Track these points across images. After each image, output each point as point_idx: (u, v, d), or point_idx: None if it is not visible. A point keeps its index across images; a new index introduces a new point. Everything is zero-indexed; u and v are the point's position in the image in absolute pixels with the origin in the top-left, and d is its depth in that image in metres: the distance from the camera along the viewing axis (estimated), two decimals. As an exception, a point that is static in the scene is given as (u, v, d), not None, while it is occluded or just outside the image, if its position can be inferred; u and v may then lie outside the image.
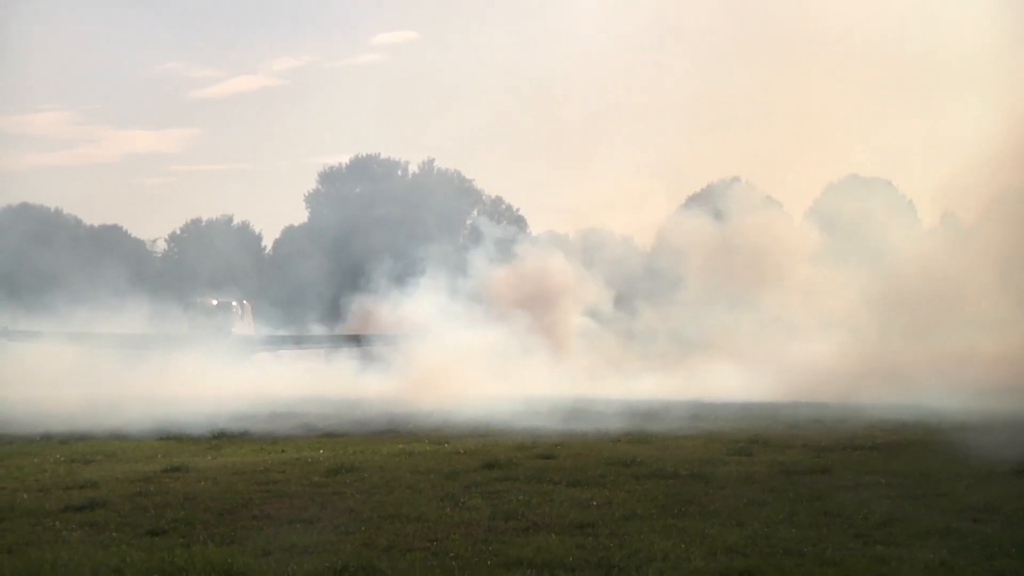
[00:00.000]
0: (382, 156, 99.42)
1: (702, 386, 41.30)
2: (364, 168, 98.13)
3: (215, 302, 52.67)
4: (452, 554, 14.24)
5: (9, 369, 47.10)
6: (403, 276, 54.13)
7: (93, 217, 77.44)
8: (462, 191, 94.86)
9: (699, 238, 55.73)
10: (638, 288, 56.60)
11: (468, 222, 64.86)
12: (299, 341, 54.40)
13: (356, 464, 22.21)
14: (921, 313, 43.65)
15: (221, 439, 28.26)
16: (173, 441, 28.04)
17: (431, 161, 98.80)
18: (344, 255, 67.11)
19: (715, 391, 39.65)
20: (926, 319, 43.22)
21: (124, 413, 34.40)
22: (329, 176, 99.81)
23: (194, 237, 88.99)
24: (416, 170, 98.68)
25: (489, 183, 70.13)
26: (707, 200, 66.15)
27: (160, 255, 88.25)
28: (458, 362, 44.00)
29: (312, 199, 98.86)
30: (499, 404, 35.30)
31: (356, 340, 53.41)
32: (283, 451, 25.29)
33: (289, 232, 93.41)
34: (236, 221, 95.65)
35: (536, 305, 52.78)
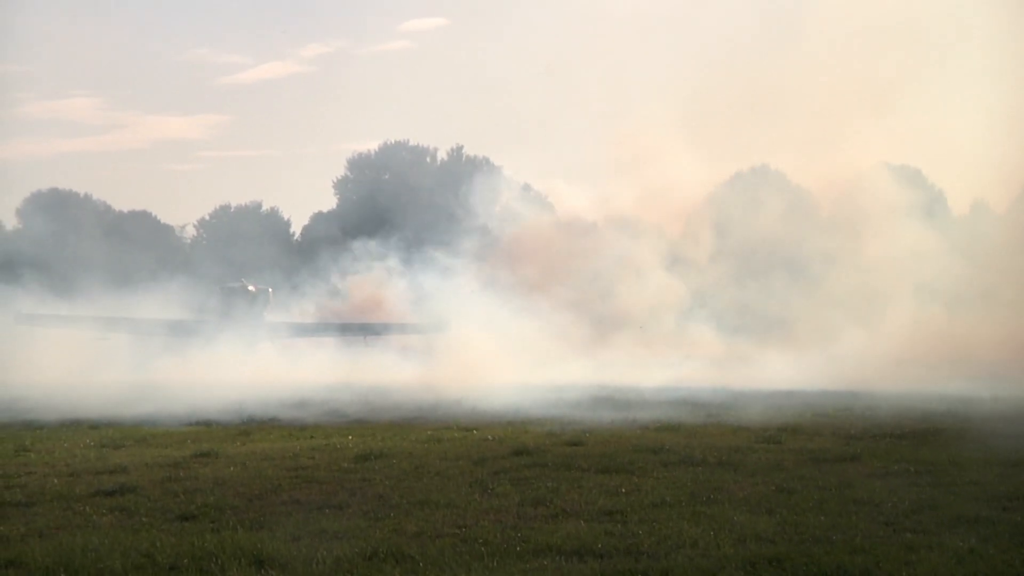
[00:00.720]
0: (411, 143, 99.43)
1: (745, 374, 41.22)
2: (393, 155, 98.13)
3: (252, 287, 52.41)
4: (481, 540, 14.26)
5: (39, 355, 47.28)
6: (429, 262, 54.14)
7: (122, 203, 77.66)
8: (491, 177, 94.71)
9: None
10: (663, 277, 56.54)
11: (497, 208, 64.80)
12: (325, 329, 54.26)
13: (385, 451, 22.26)
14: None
15: (250, 425, 28.37)
16: (202, 427, 28.17)
17: (460, 148, 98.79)
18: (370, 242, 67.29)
19: (758, 379, 39.41)
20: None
21: (153, 399, 34.57)
22: (358, 163, 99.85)
23: (223, 223, 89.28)
24: (445, 157, 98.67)
25: (519, 170, 70.11)
26: (736, 188, 65.93)
27: (189, 241, 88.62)
28: (487, 350, 44.07)
29: (341, 185, 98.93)
30: (528, 392, 35.33)
31: (382, 328, 53.36)
32: (312, 437, 25.36)
33: (318, 218, 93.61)
34: (265, 207, 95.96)
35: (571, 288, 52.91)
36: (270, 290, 53.34)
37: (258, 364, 46.13)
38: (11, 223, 79.25)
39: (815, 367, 41.85)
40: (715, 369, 43.79)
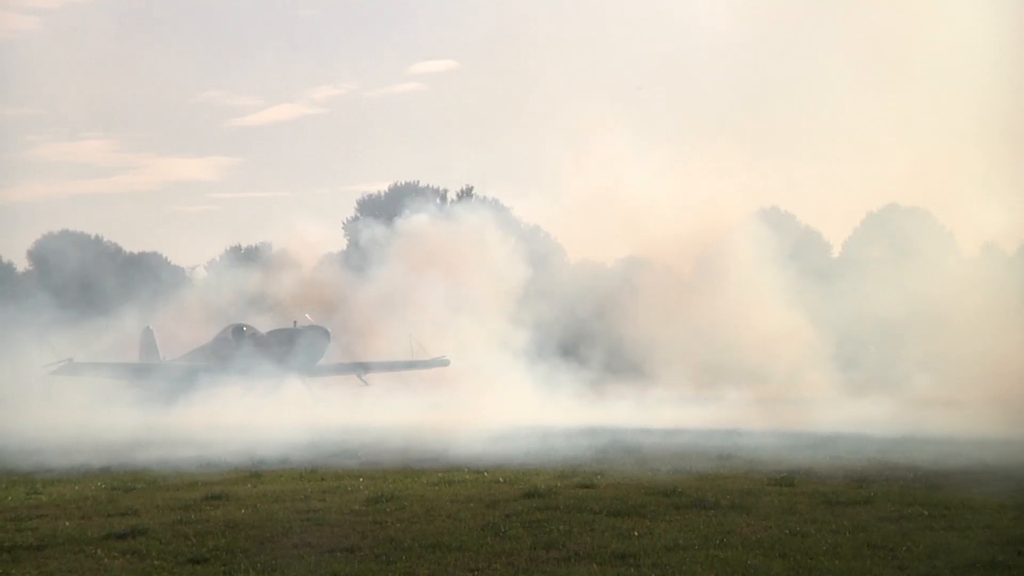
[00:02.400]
0: (421, 184, 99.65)
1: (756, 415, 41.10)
2: (402, 196, 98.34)
3: (309, 316, 51.03)
4: (493, 584, 14.21)
5: (52, 398, 47.36)
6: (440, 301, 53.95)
7: (133, 244, 77.74)
8: (500, 219, 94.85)
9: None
10: (675, 318, 56.44)
11: (506, 249, 64.83)
12: (338, 369, 53.72)
13: (396, 493, 22.22)
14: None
15: (261, 467, 28.31)
16: (214, 469, 28.11)
17: (470, 189, 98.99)
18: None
19: (769, 420, 39.29)
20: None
21: (164, 441, 34.55)
22: (368, 204, 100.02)
23: (233, 264, 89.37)
24: (455, 198, 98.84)
25: (527, 211, 70.14)
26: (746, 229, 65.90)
27: (200, 282, 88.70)
28: (496, 391, 44.04)
29: (351, 226, 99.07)
30: (537, 433, 35.24)
31: (387, 366, 52.83)
32: (322, 479, 25.31)
33: (327, 258, 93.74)
34: (275, 248, 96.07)
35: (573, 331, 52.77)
36: (329, 329, 51.70)
37: (267, 406, 46.10)
38: (22, 265, 79.37)
39: (823, 407, 41.83)
40: (723, 411, 43.65)
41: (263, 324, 52.67)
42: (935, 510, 19.47)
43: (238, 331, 50.58)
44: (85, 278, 61.59)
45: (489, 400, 44.06)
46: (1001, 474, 23.97)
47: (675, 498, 21.07)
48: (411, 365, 51.71)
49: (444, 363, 50.33)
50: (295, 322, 50.36)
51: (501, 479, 24.66)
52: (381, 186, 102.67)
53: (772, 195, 67.95)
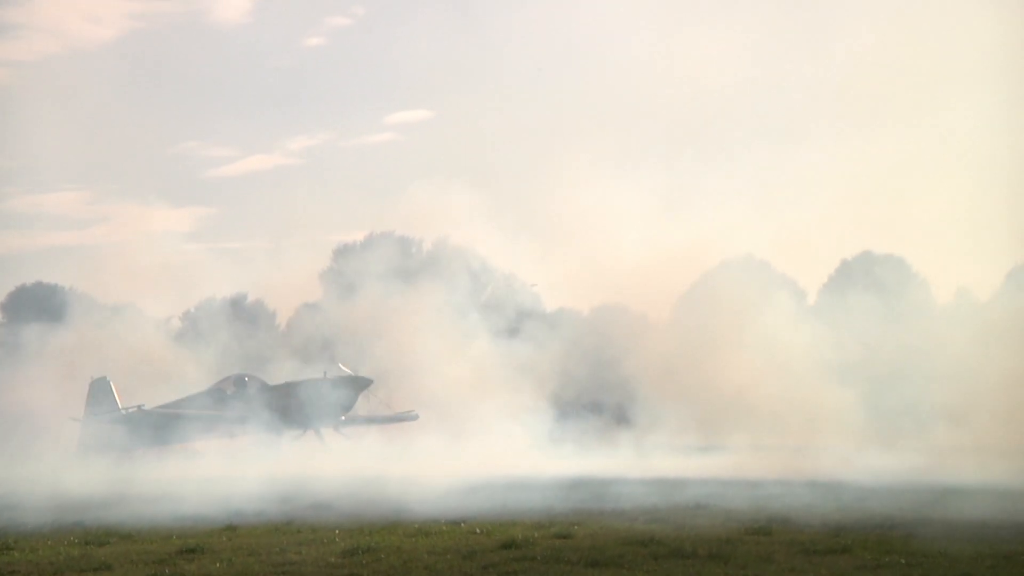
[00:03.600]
0: (396, 233, 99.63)
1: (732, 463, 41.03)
2: (378, 245, 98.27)
3: (346, 367, 50.31)
4: (471, 637, 14.12)
5: (25, 448, 47.05)
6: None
7: (107, 296, 77.22)
8: (475, 267, 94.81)
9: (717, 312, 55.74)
10: (651, 364, 56.42)
11: (482, 299, 64.84)
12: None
13: (372, 545, 22.08)
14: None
15: (237, 520, 28.10)
16: (188, 522, 27.88)
17: (445, 238, 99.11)
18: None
19: (745, 468, 39.21)
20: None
21: (137, 494, 34.31)
22: (344, 253, 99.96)
23: (208, 315, 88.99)
24: (430, 247, 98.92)
25: (504, 259, 70.14)
26: (722, 276, 66.05)
27: (174, 333, 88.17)
28: (475, 440, 43.96)
29: (326, 276, 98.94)
30: (514, 483, 35.08)
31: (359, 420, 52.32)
32: (299, 531, 25.16)
33: (303, 310, 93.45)
34: (251, 299, 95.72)
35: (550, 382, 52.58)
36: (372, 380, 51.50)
37: (242, 458, 45.82)
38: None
39: (807, 458, 41.81)
40: (699, 458, 43.63)
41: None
42: (912, 559, 19.46)
43: (240, 381, 49.74)
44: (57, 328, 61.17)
45: (468, 449, 43.98)
46: (978, 523, 23.96)
47: (653, 548, 21.01)
48: (383, 419, 51.33)
49: (413, 418, 50.14)
50: (325, 372, 49.80)
51: (478, 530, 24.55)
52: (357, 235, 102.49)
53: (746, 242, 68.12)
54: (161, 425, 48.58)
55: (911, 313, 52.17)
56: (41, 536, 25.30)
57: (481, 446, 44.36)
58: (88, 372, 53.09)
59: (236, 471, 41.64)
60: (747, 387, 51.65)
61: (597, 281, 64.00)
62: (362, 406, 52.11)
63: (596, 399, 54.31)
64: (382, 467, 42.88)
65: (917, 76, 66.46)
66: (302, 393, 48.53)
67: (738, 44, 76.42)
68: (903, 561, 19.21)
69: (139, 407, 46.70)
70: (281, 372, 54.43)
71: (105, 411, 49.98)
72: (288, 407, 48.04)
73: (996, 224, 51.59)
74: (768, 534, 22.83)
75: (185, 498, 32.65)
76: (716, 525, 24.66)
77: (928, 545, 20.86)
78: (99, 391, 50.96)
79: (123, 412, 47.46)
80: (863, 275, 60.48)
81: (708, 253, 67.51)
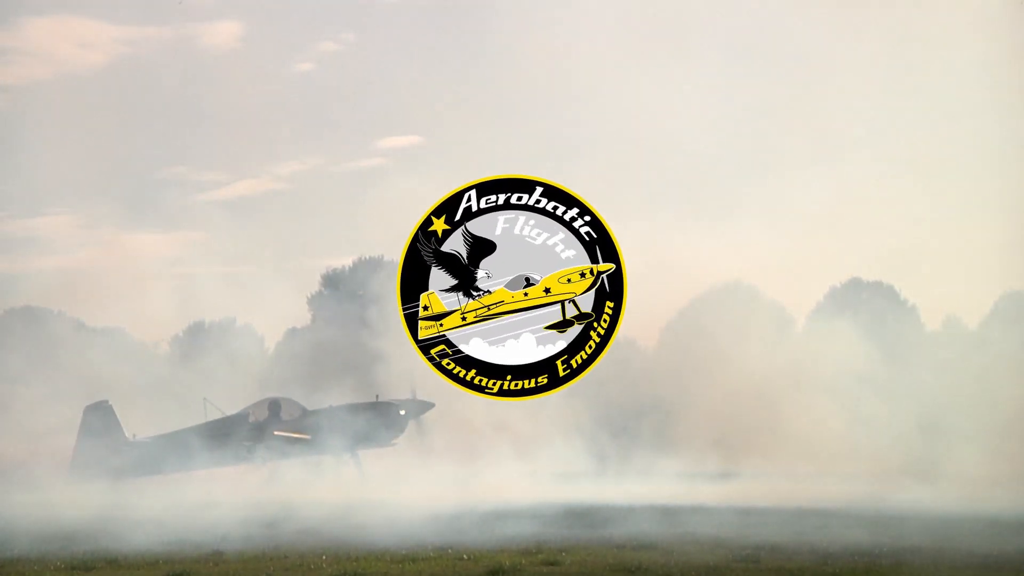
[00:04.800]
0: (386, 259, 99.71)
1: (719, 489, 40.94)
2: (368, 270, 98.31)
3: (403, 411, 47.87)
4: (457, 665, 14.07)
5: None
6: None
7: (96, 320, 77.07)
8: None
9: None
10: (642, 390, 56.48)
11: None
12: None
13: (359, 571, 22.02)
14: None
15: (224, 546, 27.98)
16: (175, 548, 27.76)
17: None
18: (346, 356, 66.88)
19: (733, 495, 39.10)
20: None
21: (126, 518, 34.18)
22: (332, 278, 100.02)
23: (197, 339, 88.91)
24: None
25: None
26: (709, 302, 66.16)
27: (162, 358, 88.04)
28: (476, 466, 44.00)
29: (315, 301, 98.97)
30: (503, 508, 34.96)
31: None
32: (285, 557, 25.08)
33: (292, 334, 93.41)
34: (239, 323, 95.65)
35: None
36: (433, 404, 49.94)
37: (231, 482, 45.58)
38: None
39: (790, 482, 41.79)
40: (689, 485, 43.53)
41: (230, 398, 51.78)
42: (900, 587, 19.45)
43: (274, 405, 48.61)
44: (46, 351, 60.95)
45: (458, 475, 43.96)
46: (965, 552, 23.94)
47: (640, 575, 20.96)
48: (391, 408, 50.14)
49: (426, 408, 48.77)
50: (377, 396, 48.91)
51: (465, 556, 24.48)
52: (346, 260, 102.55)
53: (734, 268, 68.20)
54: (180, 453, 47.62)
55: (900, 340, 52.29)
56: (28, 561, 25.18)
57: (470, 472, 44.25)
58: (76, 396, 52.88)
59: (223, 496, 41.50)
60: (735, 415, 51.71)
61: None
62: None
63: (584, 426, 54.14)
64: (370, 492, 42.79)
65: (906, 102, 66.75)
66: (350, 418, 47.34)
67: (722, 71, 76.61)
68: (891, 589, 19.21)
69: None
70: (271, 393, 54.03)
71: (106, 436, 48.84)
72: (332, 433, 46.76)
73: (985, 251, 51.75)
74: (756, 562, 22.80)
75: (171, 523, 32.53)
76: (704, 552, 24.61)
77: (916, 572, 20.85)
78: (97, 416, 49.13)
79: (145, 439, 46.88)
80: (852, 301, 60.64)
81: (696, 279, 67.57)
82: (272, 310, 73.62)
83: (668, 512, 33.90)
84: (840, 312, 57.53)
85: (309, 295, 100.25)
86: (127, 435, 47.33)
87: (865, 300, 60.67)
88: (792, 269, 64.26)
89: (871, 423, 47.05)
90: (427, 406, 47.80)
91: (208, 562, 24.35)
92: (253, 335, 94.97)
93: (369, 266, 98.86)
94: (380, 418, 47.26)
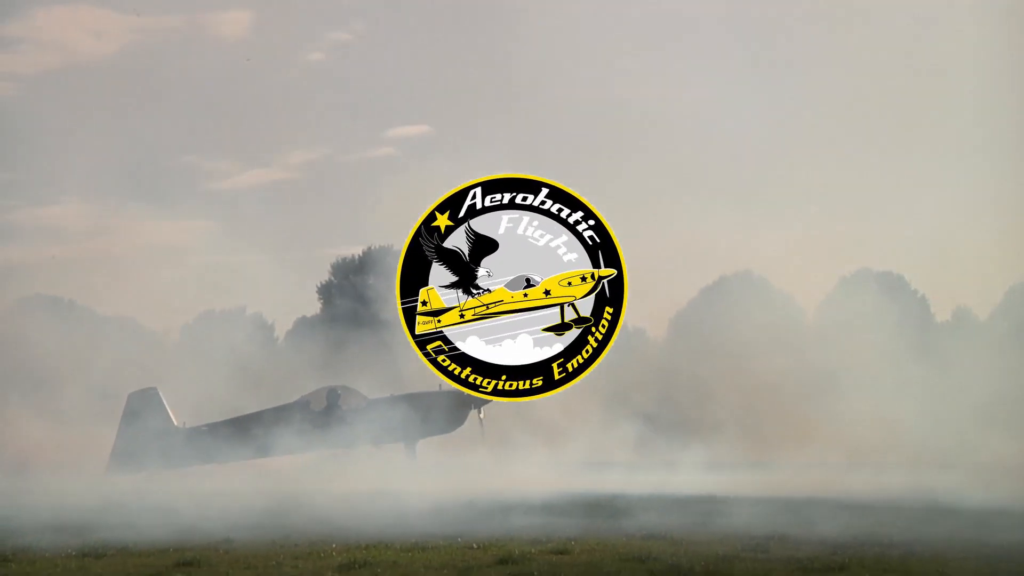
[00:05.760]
0: (395, 248, 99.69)
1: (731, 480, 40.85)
2: (377, 260, 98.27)
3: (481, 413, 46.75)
4: (467, 653, 14.09)
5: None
6: None
7: (107, 308, 77.20)
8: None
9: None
10: (658, 381, 56.54)
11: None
12: None
13: (368, 559, 22.04)
14: None
15: (234, 534, 28.02)
16: (185, 536, 27.81)
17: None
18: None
19: (744, 485, 39.03)
20: None
21: (138, 506, 34.26)
22: (342, 267, 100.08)
23: (207, 328, 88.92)
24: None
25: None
26: (721, 291, 66.22)
27: (173, 346, 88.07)
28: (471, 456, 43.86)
29: (325, 290, 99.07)
30: (521, 498, 34.87)
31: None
32: (296, 545, 25.12)
33: (301, 322, 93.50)
34: (249, 312, 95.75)
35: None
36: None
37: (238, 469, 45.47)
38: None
39: (795, 472, 41.76)
40: (699, 475, 43.47)
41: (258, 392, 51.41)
42: (910, 576, 19.45)
43: (332, 394, 48.19)
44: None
45: (470, 465, 44.01)
46: (975, 542, 23.90)
47: (649, 564, 20.98)
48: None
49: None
50: (440, 385, 48.36)
51: (475, 545, 24.50)
52: (355, 250, 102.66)
53: (745, 258, 68.18)
54: (237, 440, 46.97)
55: (910, 330, 52.28)
56: (39, 549, 25.24)
57: (493, 461, 44.29)
58: (88, 386, 52.88)
59: (234, 485, 41.55)
60: (746, 405, 51.73)
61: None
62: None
63: (607, 416, 54.03)
64: (380, 482, 42.70)
65: (916, 91, 66.66)
66: (412, 407, 46.80)
67: (733, 62, 76.50)
68: (901, 579, 19.21)
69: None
70: (290, 387, 53.80)
71: (153, 425, 47.33)
72: (392, 422, 46.17)
73: (996, 243, 51.73)
74: (766, 551, 22.80)
75: (183, 512, 32.59)
76: (714, 542, 24.61)
77: (926, 564, 20.84)
78: (143, 403, 47.89)
79: (198, 427, 46.50)
80: (862, 292, 60.61)
81: (706, 269, 67.56)
82: (282, 299, 73.47)
83: (683, 502, 33.82)
84: (850, 302, 57.47)
85: (319, 284, 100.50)
86: (176, 423, 46.72)
87: (874, 290, 60.56)
88: (802, 259, 64.27)
89: (885, 414, 47.00)
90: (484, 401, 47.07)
91: (218, 550, 24.40)
92: (263, 324, 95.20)
93: (378, 256, 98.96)
94: (441, 408, 46.78)
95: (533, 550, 23.26)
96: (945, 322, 69.75)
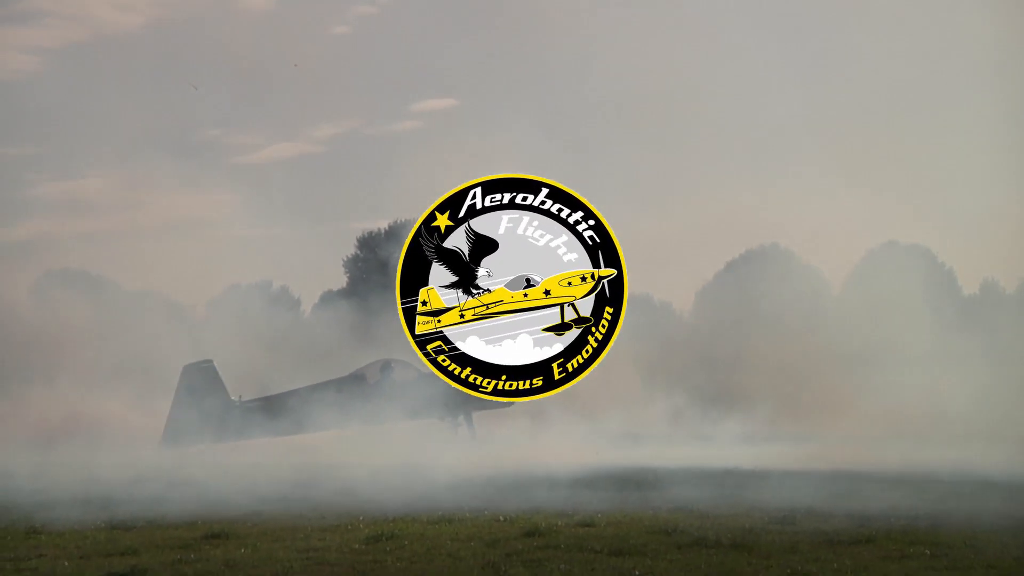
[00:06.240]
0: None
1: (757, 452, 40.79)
2: (403, 233, 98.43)
3: None
4: (495, 624, 14.15)
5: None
6: None
7: (133, 283, 77.52)
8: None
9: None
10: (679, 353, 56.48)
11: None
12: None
13: (396, 532, 22.16)
14: None
15: (262, 506, 28.16)
16: (214, 508, 27.96)
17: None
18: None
19: (769, 457, 38.98)
20: None
21: (166, 479, 34.43)
22: (368, 241, 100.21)
23: (233, 301, 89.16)
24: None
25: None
26: (747, 265, 66.09)
27: (199, 321, 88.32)
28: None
29: (351, 264, 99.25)
30: (552, 471, 34.84)
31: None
32: (323, 518, 25.25)
33: (327, 296, 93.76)
34: (275, 286, 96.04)
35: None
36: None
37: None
38: (24, 304, 79.10)
39: (826, 445, 41.67)
40: (726, 448, 43.40)
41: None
42: (937, 549, 19.42)
43: (386, 367, 48.02)
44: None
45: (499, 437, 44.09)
46: (1004, 515, 23.86)
47: (676, 537, 21.02)
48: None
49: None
50: None
51: (502, 517, 24.59)
52: (381, 223, 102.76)
53: (772, 231, 67.98)
54: (293, 414, 46.71)
55: (939, 303, 52.14)
56: (67, 519, 25.44)
57: (528, 434, 44.44)
58: (117, 360, 53.11)
59: (264, 458, 41.65)
60: (781, 377, 51.60)
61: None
62: None
63: (645, 390, 53.99)
64: (408, 455, 42.71)
65: (946, 62, 66.29)
66: None
67: (759, 33, 76.23)
68: (928, 552, 19.17)
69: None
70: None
71: (210, 399, 46.51)
72: (446, 395, 45.82)
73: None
74: (792, 523, 22.82)
75: (213, 485, 32.74)
76: (740, 515, 24.63)
77: (953, 536, 20.83)
78: (199, 377, 47.01)
79: (253, 401, 46.39)
80: (889, 265, 60.41)
81: (732, 242, 67.39)
82: (308, 273, 73.53)
83: (714, 475, 33.73)
84: (877, 275, 57.30)
85: (345, 258, 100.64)
86: (233, 397, 46.51)
87: (902, 264, 60.34)
88: (828, 232, 64.04)
89: (926, 386, 46.89)
90: None
91: (247, 523, 24.54)
92: (289, 298, 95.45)
93: (404, 229, 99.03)
94: None
95: (559, 523, 23.35)
96: (972, 295, 69.52)
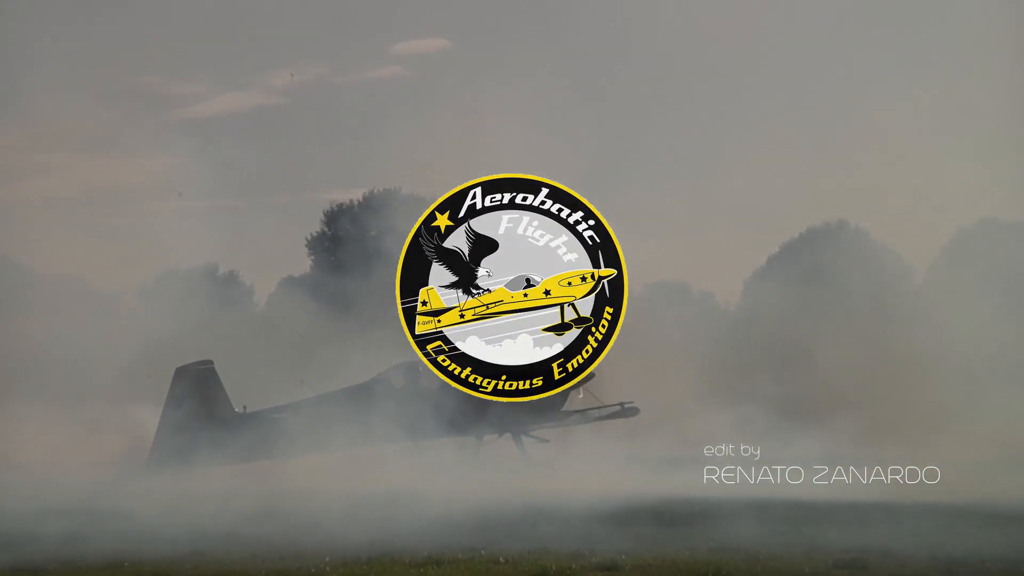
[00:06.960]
0: (403, 191, 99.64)
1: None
2: (381, 206, 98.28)
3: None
4: None
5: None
6: None
7: (48, 266, 77.52)
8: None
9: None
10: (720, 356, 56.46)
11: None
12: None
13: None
14: None
15: (206, 542, 28.14)
16: (148, 547, 27.91)
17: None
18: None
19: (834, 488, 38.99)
20: None
21: (82, 508, 34.47)
22: (337, 216, 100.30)
23: (170, 290, 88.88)
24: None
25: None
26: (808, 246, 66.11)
27: (128, 313, 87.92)
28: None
29: (316, 244, 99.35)
30: (571, 501, 34.87)
31: None
32: (281, 558, 25.27)
33: (287, 284, 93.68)
34: (221, 271, 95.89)
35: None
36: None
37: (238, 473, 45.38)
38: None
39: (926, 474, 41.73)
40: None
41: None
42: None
43: (411, 368, 47.63)
44: None
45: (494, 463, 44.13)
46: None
47: (715, 583, 21.09)
48: (596, 417, 49.22)
49: (633, 412, 48.27)
50: None
51: (502, 559, 24.61)
52: (354, 194, 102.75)
53: (838, 207, 67.96)
54: (309, 428, 46.40)
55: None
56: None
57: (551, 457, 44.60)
58: (32, 360, 53.09)
59: (199, 488, 41.57)
60: (843, 387, 51.58)
61: (652, 253, 64.03)
62: None
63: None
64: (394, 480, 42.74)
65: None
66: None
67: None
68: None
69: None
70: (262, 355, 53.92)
71: (207, 409, 45.62)
72: (482, 406, 45.41)
73: None
74: (862, 568, 22.83)
75: (142, 515, 32.73)
76: (798, 555, 24.66)
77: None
78: (195, 382, 46.21)
79: (270, 409, 46.20)
80: (985, 247, 60.33)
81: (790, 220, 67.42)
82: (262, 255, 73.71)
83: (767, 507, 33.73)
84: (971, 260, 57.24)
85: (309, 236, 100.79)
86: (236, 408, 46.03)
87: (1005, 245, 60.27)
88: (910, 206, 64.02)
89: (1010, 398, 46.90)
90: (588, 376, 46.42)
91: (185, 563, 24.58)
92: (239, 285, 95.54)
93: (381, 201, 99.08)
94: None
95: (574, 565, 23.38)
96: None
